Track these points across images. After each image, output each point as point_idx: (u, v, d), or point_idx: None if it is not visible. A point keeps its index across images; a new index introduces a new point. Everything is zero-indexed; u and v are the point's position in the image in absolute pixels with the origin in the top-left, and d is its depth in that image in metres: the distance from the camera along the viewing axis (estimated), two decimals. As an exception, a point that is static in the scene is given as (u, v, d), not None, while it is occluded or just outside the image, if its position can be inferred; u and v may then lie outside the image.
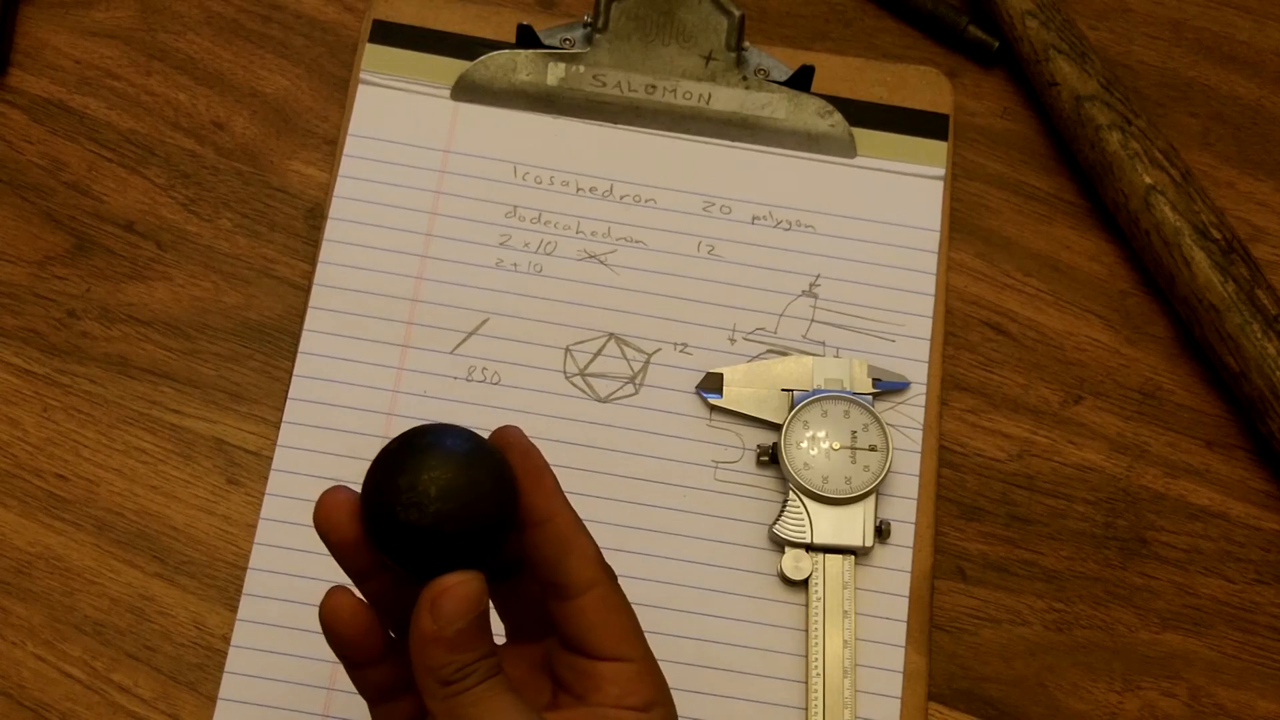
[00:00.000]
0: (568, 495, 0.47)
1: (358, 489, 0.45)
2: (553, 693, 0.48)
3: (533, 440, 0.48)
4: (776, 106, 0.69)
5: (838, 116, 0.69)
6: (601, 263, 0.67)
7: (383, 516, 0.43)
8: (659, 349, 0.65)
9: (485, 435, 0.47)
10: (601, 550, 0.47)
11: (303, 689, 0.59)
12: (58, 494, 0.62)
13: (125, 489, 0.63)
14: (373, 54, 0.70)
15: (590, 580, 0.46)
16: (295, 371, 0.64)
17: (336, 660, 0.59)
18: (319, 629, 0.60)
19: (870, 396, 0.64)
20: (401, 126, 0.68)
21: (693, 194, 0.68)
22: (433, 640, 0.43)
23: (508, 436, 0.47)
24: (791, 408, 0.63)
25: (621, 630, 0.47)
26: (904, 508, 0.63)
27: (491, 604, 0.47)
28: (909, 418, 0.65)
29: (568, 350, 0.65)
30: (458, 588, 0.43)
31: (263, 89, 0.70)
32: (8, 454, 0.63)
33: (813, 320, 0.66)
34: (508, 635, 0.51)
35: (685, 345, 0.65)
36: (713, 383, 0.64)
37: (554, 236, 0.67)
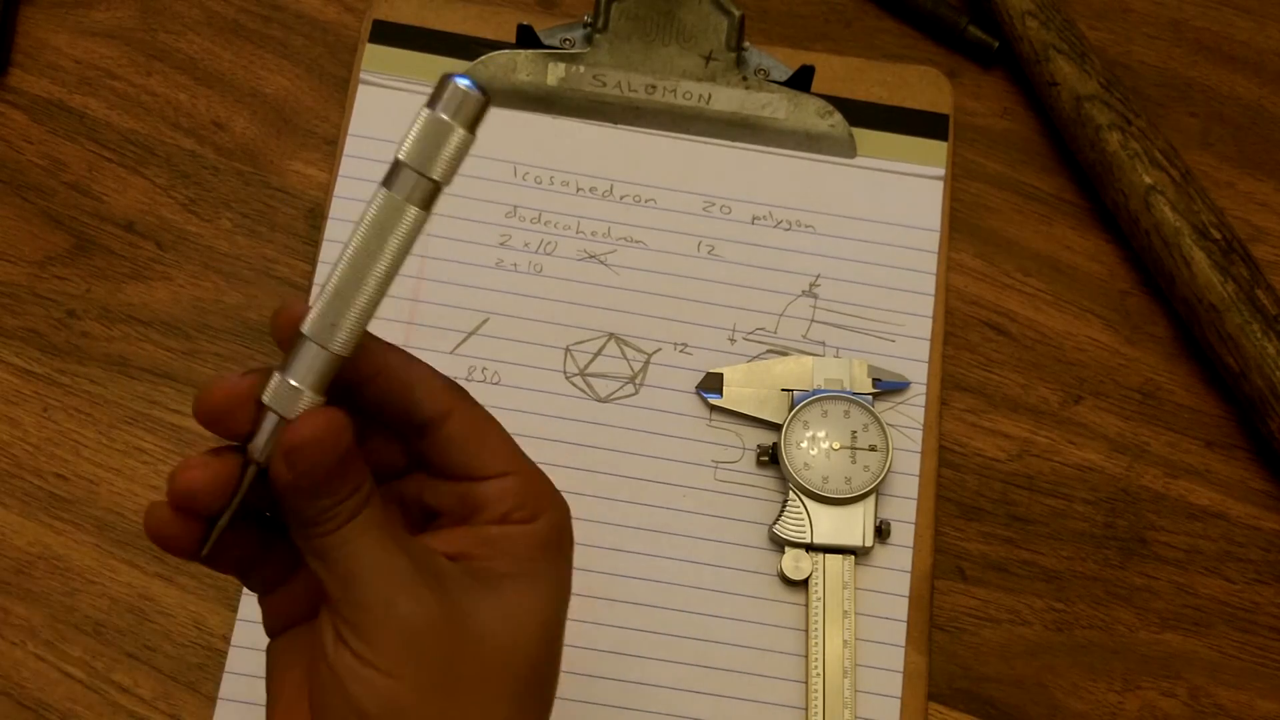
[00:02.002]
0: (566, 494, 0.47)
1: None
2: (431, 522, 0.46)
3: (532, 439, 0.47)
4: (776, 106, 0.69)
5: (838, 116, 0.69)
6: (601, 263, 0.67)
7: None
8: (659, 349, 0.65)
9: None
10: (558, 492, 0.46)
11: (303, 689, 0.59)
12: (58, 494, 0.62)
13: (125, 489, 0.63)
14: (373, 54, 0.70)
15: (445, 408, 0.44)
16: (295, 371, 0.64)
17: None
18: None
19: (870, 396, 0.64)
20: (402, 127, 0.68)
21: (693, 194, 0.68)
22: (291, 489, 0.41)
23: None
24: (791, 408, 0.63)
25: (492, 448, 0.45)
26: (904, 508, 0.63)
27: None
28: (909, 418, 0.65)
29: (568, 350, 0.65)
30: (311, 432, 0.41)
31: (263, 89, 0.70)
32: (8, 454, 0.63)
33: (813, 320, 0.66)
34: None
35: (685, 345, 0.66)
36: (713, 383, 0.64)
37: (554, 236, 0.67)
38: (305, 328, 0.41)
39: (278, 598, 0.46)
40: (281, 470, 0.41)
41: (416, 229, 0.41)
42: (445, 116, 0.41)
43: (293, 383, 0.41)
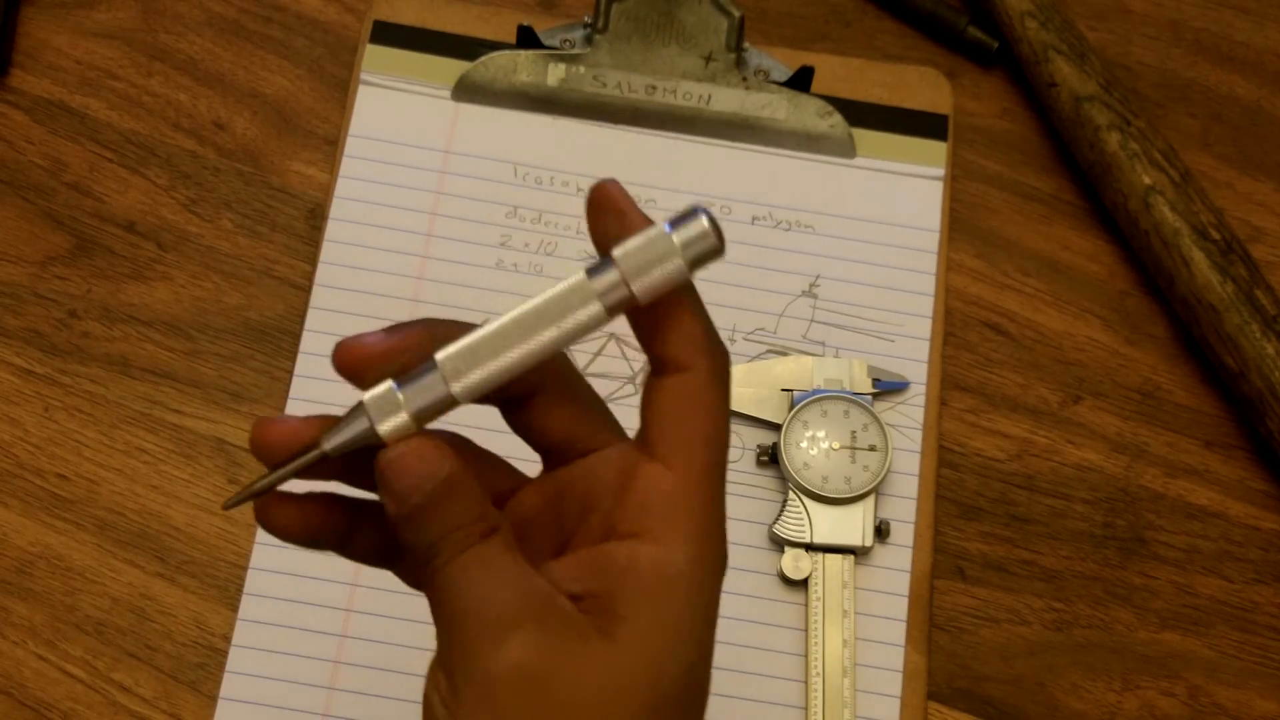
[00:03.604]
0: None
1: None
2: (577, 519, 0.43)
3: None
4: (776, 107, 0.69)
5: (837, 117, 0.69)
6: (602, 263, 0.67)
7: None
8: (659, 349, 0.65)
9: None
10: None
11: (303, 688, 0.59)
12: (59, 494, 0.62)
13: (126, 489, 0.63)
14: (373, 55, 0.70)
15: (684, 362, 0.41)
16: (296, 371, 0.64)
17: (337, 660, 0.60)
18: (320, 628, 0.60)
19: (870, 396, 0.64)
20: (402, 127, 0.68)
21: (693, 194, 0.68)
22: (396, 519, 0.39)
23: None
24: (791, 408, 0.63)
25: (685, 432, 0.41)
26: (904, 508, 0.63)
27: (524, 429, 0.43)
28: (908, 418, 0.65)
29: (567, 350, 0.65)
30: (403, 460, 0.39)
31: (263, 90, 0.70)
32: (9, 454, 0.63)
33: (812, 320, 0.66)
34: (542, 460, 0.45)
35: (685, 345, 0.65)
36: (713, 383, 0.64)
37: (554, 237, 0.67)
38: (440, 354, 0.40)
39: (403, 569, 0.44)
40: (387, 500, 0.39)
41: (591, 325, 0.40)
42: (677, 241, 0.40)
43: (399, 396, 0.40)
